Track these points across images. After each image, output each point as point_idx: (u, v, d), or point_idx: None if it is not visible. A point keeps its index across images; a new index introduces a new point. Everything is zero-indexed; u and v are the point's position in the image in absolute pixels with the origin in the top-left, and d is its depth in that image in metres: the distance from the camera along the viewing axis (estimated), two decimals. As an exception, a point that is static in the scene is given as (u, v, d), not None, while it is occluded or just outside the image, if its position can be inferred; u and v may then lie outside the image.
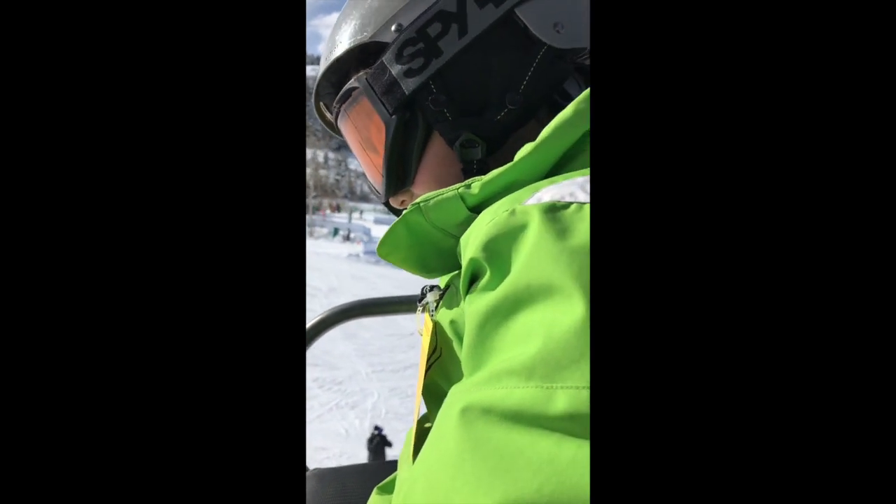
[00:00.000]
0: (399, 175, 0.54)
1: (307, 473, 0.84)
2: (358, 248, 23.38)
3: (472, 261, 0.34)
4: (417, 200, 0.44)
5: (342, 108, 0.57)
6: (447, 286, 0.48)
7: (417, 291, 0.52)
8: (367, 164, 0.59)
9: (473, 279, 0.36)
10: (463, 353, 0.34)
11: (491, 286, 0.32)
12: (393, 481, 0.59)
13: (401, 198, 0.57)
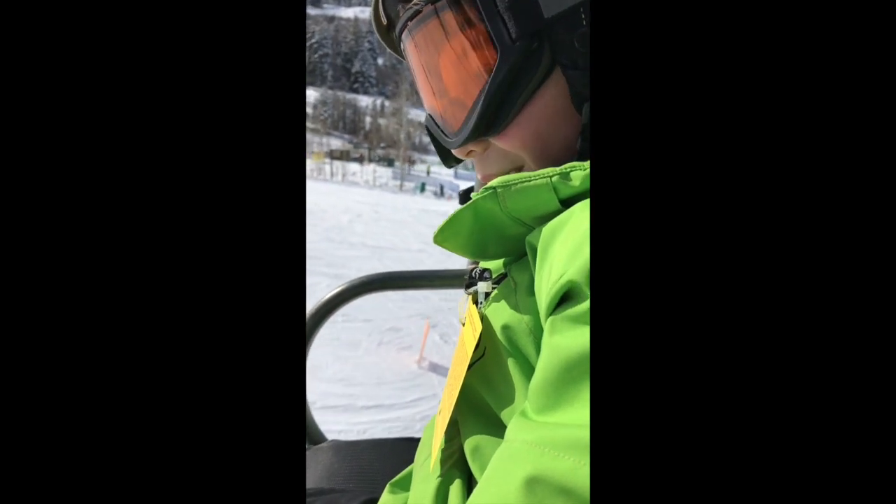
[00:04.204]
0: (489, 120, 0.41)
1: (324, 445, 0.84)
2: (463, 206, 24.87)
3: (571, 283, 0.30)
4: (493, 183, 0.37)
5: (422, 14, 0.42)
6: (501, 275, 0.43)
7: None
8: (441, 93, 0.45)
9: (565, 299, 0.31)
10: (536, 379, 0.31)
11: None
12: (405, 477, 0.57)
13: (470, 147, 0.45)
